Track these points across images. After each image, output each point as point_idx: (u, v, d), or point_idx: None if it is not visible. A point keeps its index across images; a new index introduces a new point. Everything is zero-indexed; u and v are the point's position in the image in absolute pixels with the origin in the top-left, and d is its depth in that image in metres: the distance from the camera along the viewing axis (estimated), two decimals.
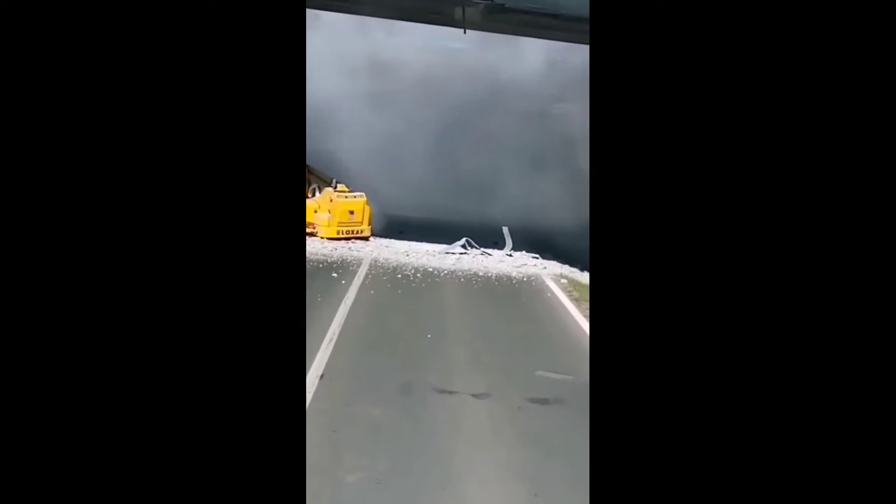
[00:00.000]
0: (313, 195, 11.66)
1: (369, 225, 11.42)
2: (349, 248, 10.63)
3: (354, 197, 11.38)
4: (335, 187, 11.49)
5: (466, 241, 11.09)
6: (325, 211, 11.18)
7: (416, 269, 9.68)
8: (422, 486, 3.81)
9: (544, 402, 5.19)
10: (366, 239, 11.24)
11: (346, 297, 7.92)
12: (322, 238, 10.92)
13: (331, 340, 6.24)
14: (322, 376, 5.30)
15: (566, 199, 11.18)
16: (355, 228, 11.23)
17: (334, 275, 8.90)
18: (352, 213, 11.23)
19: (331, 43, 12.42)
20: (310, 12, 12.55)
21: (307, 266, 9.14)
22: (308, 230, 11.08)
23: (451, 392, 5.17)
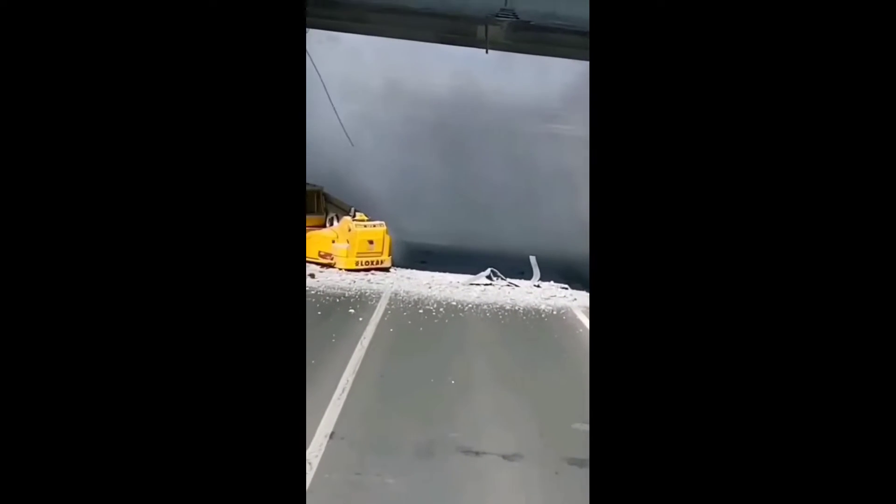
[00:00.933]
0: (331, 224, 11.43)
1: (390, 255, 11.14)
2: (368, 281, 10.35)
3: (374, 226, 11.10)
4: (353, 216, 11.20)
5: (492, 271, 10.87)
6: (344, 241, 10.93)
7: (439, 303, 9.45)
8: None
9: (584, 463, 4.60)
10: (386, 270, 10.95)
11: (362, 337, 7.62)
12: (340, 269, 10.63)
13: (343, 390, 5.88)
14: (331, 435, 4.87)
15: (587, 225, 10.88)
16: (375, 259, 10.95)
17: (351, 311, 8.58)
18: (371, 242, 10.96)
19: (351, 66, 12.28)
20: (329, 34, 12.46)
21: (323, 301, 9.21)
22: (325, 261, 10.94)
23: (477, 453, 4.70)
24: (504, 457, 4.72)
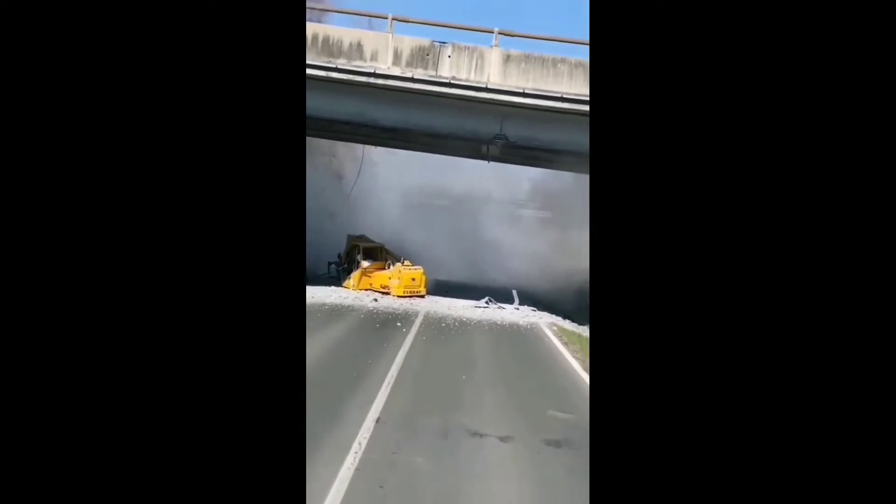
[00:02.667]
0: (388, 268, 16.78)
1: (425, 288, 16.33)
2: (411, 304, 15.11)
3: (416, 269, 16.41)
4: (403, 263, 16.69)
5: (489, 298, 15.66)
6: (396, 279, 16.18)
7: (455, 319, 13.18)
8: None
9: (558, 444, 5.77)
10: (422, 297, 16.07)
11: (404, 343, 10.04)
12: (394, 296, 15.78)
13: (388, 384, 7.36)
14: (378, 420, 5.94)
15: (545, 270, 16.54)
16: (416, 290, 16.15)
17: (398, 324, 12.06)
18: (414, 279, 16.20)
19: (402, 170, 18.61)
20: (388, 150, 19.60)
21: (381, 317, 12.77)
22: (385, 291, 16.04)
23: (480, 435, 5.81)
24: (500, 438, 5.74)
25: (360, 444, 5.30)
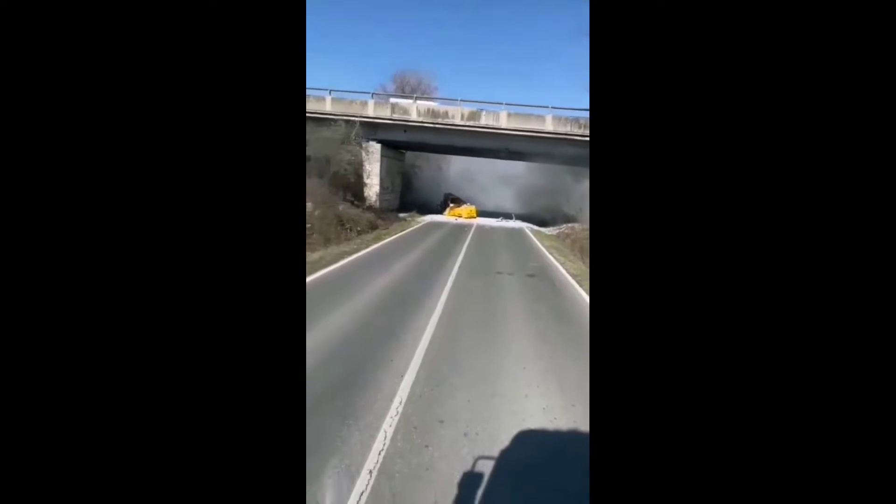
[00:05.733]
0: (460, 206, 36.86)
1: (477, 214, 36.14)
2: (471, 221, 32.79)
3: (472, 206, 36.59)
4: (468, 204, 36.96)
5: (502, 217, 35.96)
6: (465, 211, 36.14)
7: (489, 226, 28.78)
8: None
9: (532, 276, 12.34)
10: (475, 218, 35.41)
11: (467, 241, 19.63)
12: (464, 219, 35.08)
13: (461, 254, 15.37)
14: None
15: (525, 203, 37.42)
16: (473, 216, 35.73)
17: (466, 228, 25.50)
18: (472, 211, 36.15)
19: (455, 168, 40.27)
20: (446, 158, 47.70)
21: (458, 227, 26.92)
22: (458, 216, 35.65)
23: (498, 272, 12.79)
24: (508, 273, 13.34)
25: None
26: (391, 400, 5.15)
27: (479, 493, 3.75)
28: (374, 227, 21.55)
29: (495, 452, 4.24)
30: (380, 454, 4.15)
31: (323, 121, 26.19)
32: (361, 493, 3.67)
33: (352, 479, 3.81)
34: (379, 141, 29.98)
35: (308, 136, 19.91)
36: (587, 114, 24.71)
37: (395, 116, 29.07)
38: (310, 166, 21.32)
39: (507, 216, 35.50)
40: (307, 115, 23.72)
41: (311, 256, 13.28)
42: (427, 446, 4.31)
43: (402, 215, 30.65)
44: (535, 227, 30.52)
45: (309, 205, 17.68)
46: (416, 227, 25.59)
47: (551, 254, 18.09)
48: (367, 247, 16.35)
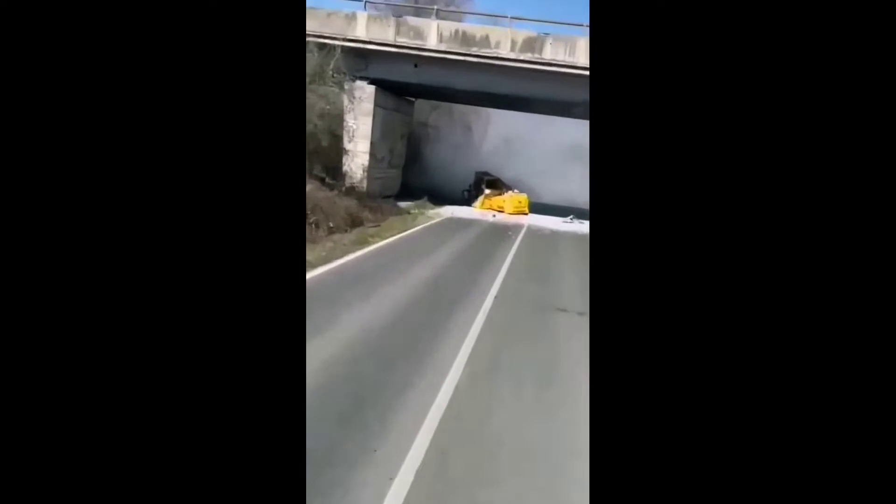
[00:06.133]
0: (503, 194, 23.49)
1: (528, 208, 22.99)
2: (518, 220, 21.50)
3: (522, 195, 23.26)
4: (513, 191, 23.57)
5: (572, 216, 22.23)
6: (508, 201, 22.91)
7: (550, 230, 19.06)
8: None
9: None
10: (526, 214, 22.64)
11: (514, 245, 15.10)
12: (507, 214, 22.35)
13: (508, 260, 12.55)
14: (496, 297, 9.12)
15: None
16: (522, 210, 22.81)
17: (510, 233, 17.18)
18: (520, 202, 22.91)
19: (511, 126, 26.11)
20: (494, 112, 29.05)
21: (498, 226, 18.50)
22: (500, 210, 22.58)
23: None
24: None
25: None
26: None
27: None
28: (355, 224, 15.18)
29: None
30: None
31: None
32: None
33: None
34: (372, 81, 19.98)
35: None
36: None
37: (402, 41, 19.35)
38: None
39: (579, 214, 22.27)
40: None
41: None
42: None
43: (403, 205, 20.80)
44: None
45: None
46: (424, 226, 17.50)
47: None
48: (336, 258, 10.82)
